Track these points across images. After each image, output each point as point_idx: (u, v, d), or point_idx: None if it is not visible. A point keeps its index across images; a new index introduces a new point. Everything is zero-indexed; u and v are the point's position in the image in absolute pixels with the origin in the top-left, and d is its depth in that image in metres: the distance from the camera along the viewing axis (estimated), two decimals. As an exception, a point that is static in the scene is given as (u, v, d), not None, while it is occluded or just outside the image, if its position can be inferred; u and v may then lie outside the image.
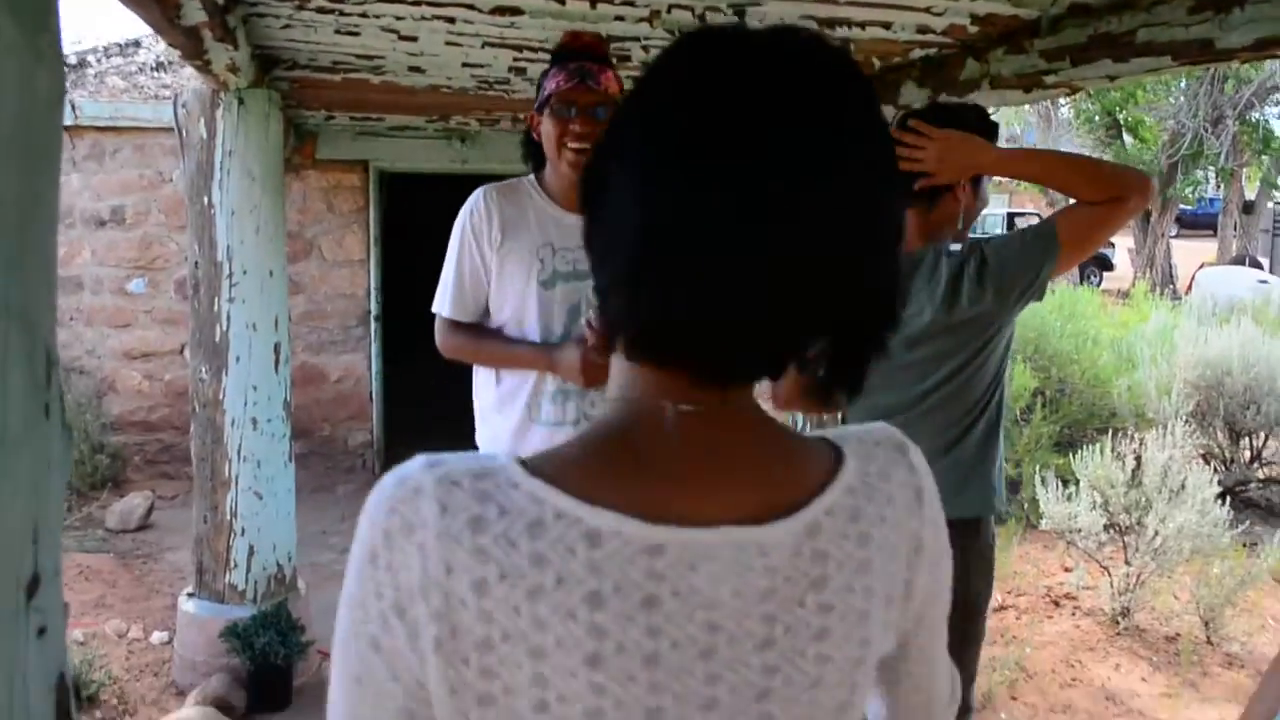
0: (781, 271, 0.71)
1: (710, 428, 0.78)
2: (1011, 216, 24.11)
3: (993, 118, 2.82)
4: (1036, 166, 2.55)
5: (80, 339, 6.60)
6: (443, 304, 2.54)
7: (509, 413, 2.53)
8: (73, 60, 6.92)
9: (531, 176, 2.58)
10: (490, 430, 2.59)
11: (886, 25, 3.07)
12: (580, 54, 2.42)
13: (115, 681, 3.80)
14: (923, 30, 3.11)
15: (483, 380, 2.62)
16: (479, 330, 2.55)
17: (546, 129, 2.41)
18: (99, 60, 7.18)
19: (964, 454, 2.36)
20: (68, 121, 6.38)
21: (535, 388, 2.48)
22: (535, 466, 0.76)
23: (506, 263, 2.45)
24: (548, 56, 3.55)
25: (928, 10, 2.89)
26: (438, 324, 2.57)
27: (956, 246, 2.38)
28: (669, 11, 3.01)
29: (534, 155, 2.56)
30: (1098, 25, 2.73)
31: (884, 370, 0.96)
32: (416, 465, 0.76)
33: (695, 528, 0.75)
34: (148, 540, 5.57)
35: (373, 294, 6.92)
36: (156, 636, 4.23)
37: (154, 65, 7.08)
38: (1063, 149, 2.85)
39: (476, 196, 2.51)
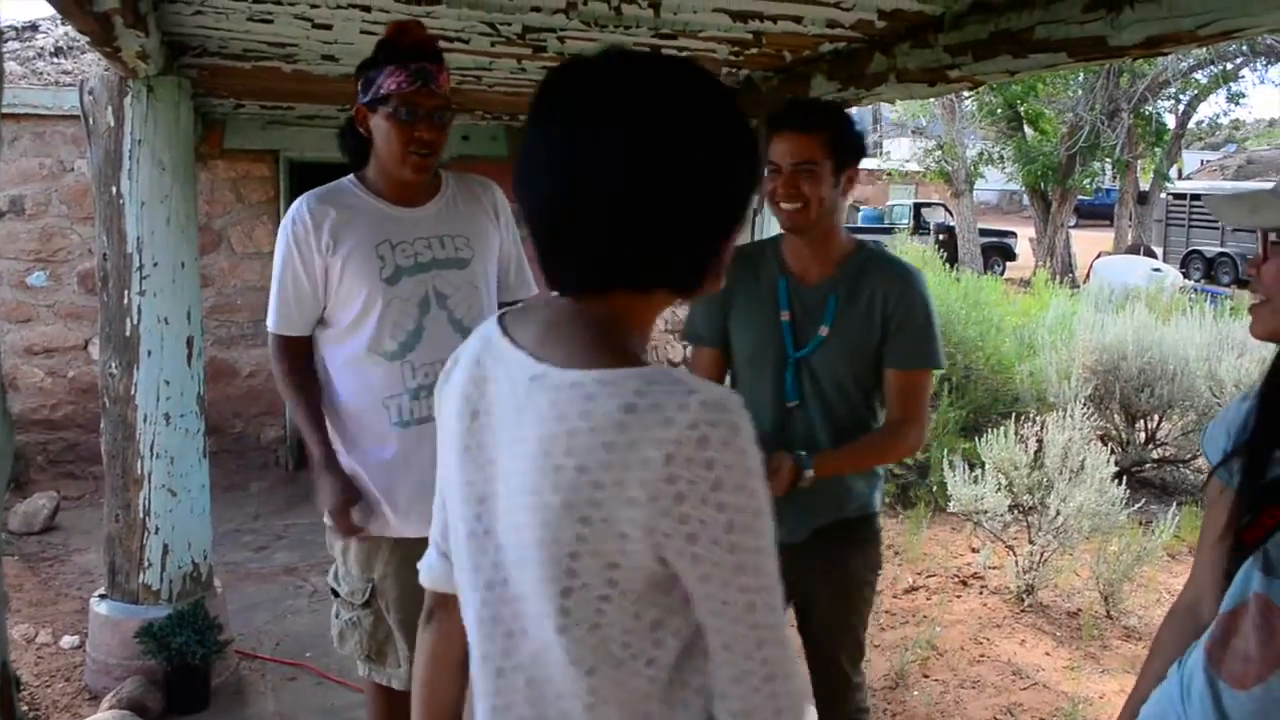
0: None
1: None
2: (918, 207, 24.60)
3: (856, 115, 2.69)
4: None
5: (-23, 335, 6.38)
6: (270, 319, 2.50)
7: (364, 416, 2.47)
8: (-36, 46, 6.66)
9: (352, 176, 2.51)
10: (348, 438, 2.51)
11: (797, 19, 3.14)
12: (418, 53, 2.35)
13: (25, 688, 3.70)
14: (832, 25, 3.18)
15: (332, 385, 2.52)
16: (302, 378, 2.50)
17: (384, 129, 2.35)
18: (-7, 46, 6.92)
19: None
20: (-40, 110, 6.17)
21: (390, 386, 2.43)
22: None
23: (346, 267, 2.40)
24: (463, 45, 3.61)
25: (836, 5, 2.96)
26: (271, 342, 2.52)
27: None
28: (585, 3, 3.03)
29: (355, 149, 2.47)
30: (998, 21, 2.81)
31: None
32: None
33: None
34: (54, 542, 5.41)
35: (284, 287, 6.81)
36: (66, 640, 4.13)
37: (53, 50, 6.86)
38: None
39: (298, 206, 2.45)
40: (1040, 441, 4.87)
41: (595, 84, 1.08)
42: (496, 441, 1.11)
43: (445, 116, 2.40)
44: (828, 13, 3.05)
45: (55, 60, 6.77)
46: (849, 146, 2.39)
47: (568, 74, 1.10)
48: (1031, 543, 4.79)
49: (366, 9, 3.14)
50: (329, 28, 3.43)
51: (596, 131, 1.05)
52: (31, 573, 4.93)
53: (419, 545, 2.43)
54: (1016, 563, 4.79)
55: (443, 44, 3.61)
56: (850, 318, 2.42)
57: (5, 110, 6.27)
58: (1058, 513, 4.61)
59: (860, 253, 2.48)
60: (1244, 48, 18.77)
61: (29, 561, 5.08)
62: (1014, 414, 5.70)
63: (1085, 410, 5.13)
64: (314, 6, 3.14)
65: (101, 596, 3.79)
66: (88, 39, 2.88)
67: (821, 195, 2.34)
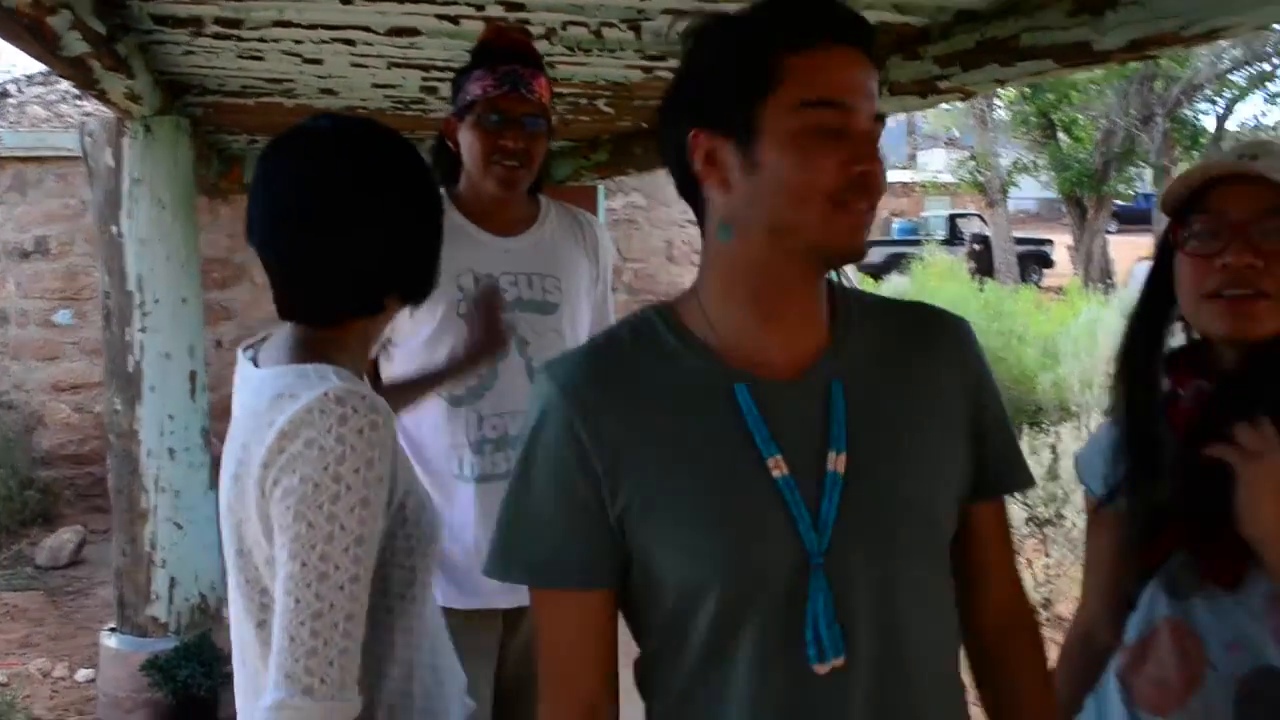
0: None
1: None
2: (953, 218, 24.42)
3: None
4: None
5: (7, 373, 6.52)
6: None
7: (430, 465, 2.16)
8: (-6, 92, 6.86)
9: (441, 191, 2.25)
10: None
11: (781, 36, 3.12)
12: (509, 55, 2.10)
13: (39, 721, 3.76)
14: (817, 40, 3.16)
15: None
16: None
17: (469, 139, 2.10)
18: (20, 90, 7.12)
19: None
20: (-11, 154, 6.34)
21: (453, 435, 2.14)
22: None
23: None
24: (453, 74, 3.64)
25: (819, 21, 2.95)
26: None
27: None
28: (565, 29, 3.04)
29: (446, 166, 2.20)
30: (984, 30, 2.79)
31: None
32: None
33: None
34: (79, 576, 5.49)
35: (306, 318, 6.90)
36: (82, 674, 4.18)
37: (76, 94, 7.02)
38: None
39: None
40: (1055, 451, 4.79)
41: (289, 149, 1.31)
42: (229, 436, 1.31)
43: (539, 125, 2.11)
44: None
45: (78, 103, 6.93)
46: None
47: (277, 139, 1.32)
48: (1048, 555, 4.71)
49: (350, 42, 3.18)
50: (319, 62, 3.48)
51: (283, 186, 1.29)
52: (54, 606, 5.00)
53: (472, 620, 2.05)
54: (1034, 576, 4.71)
55: (434, 73, 3.67)
56: (893, 421, 1.10)
57: (29, 154, 6.42)
58: (1074, 525, 4.53)
59: (844, 295, 1.18)
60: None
61: (53, 595, 5.16)
62: (1035, 424, 5.62)
63: (1104, 419, 5.04)
64: (298, 43, 3.18)
65: (111, 630, 3.84)
66: (72, 83, 2.94)
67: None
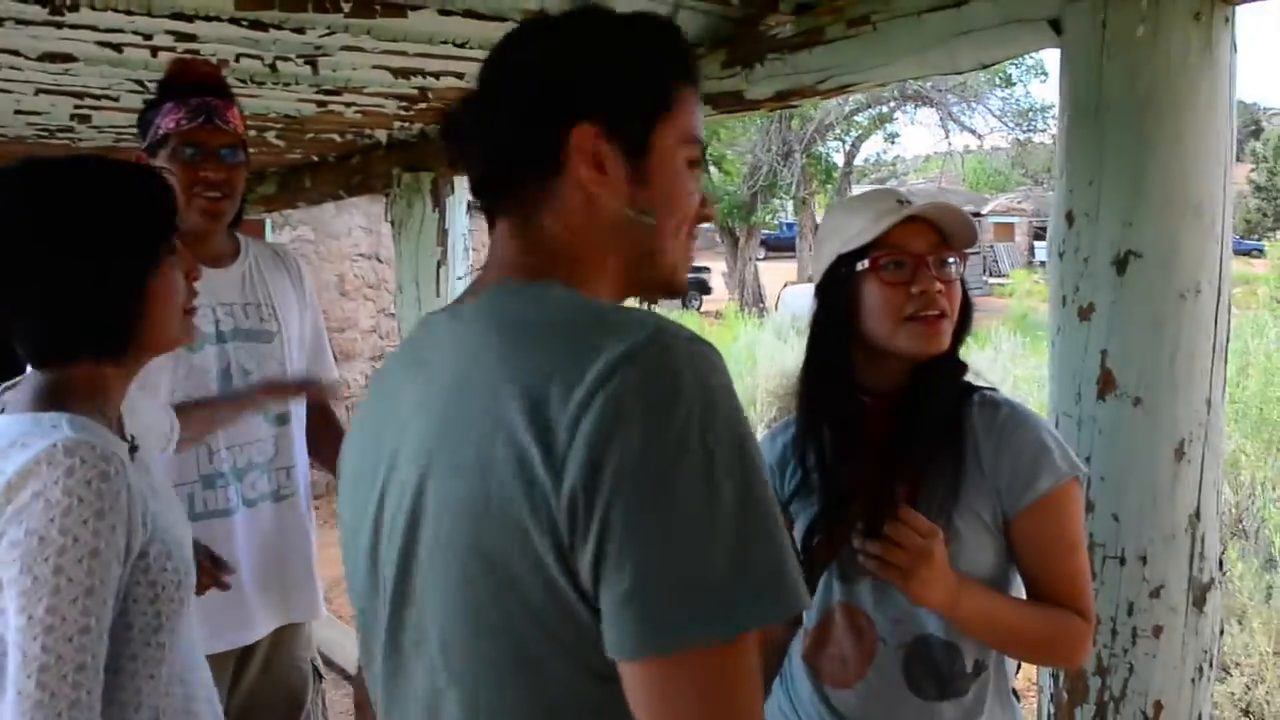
0: None
1: None
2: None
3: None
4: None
5: None
6: None
7: None
8: None
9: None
10: None
11: (459, 75, 3.19)
12: (200, 87, 2.12)
13: None
14: (496, 81, 3.26)
15: None
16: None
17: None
18: None
19: None
20: None
21: (182, 471, 2.07)
22: None
23: None
24: (113, 102, 3.43)
25: (495, 63, 3.04)
26: None
27: None
28: (238, 60, 2.96)
29: None
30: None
31: None
32: None
33: None
34: None
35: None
36: None
37: None
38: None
39: None
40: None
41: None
42: None
43: (237, 155, 2.13)
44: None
45: None
46: None
47: None
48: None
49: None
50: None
51: None
52: None
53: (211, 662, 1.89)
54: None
55: (88, 100, 3.45)
56: None
57: None
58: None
59: None
60: (895, 93, 20.72)
61: None
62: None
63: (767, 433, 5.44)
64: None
65: None
66: None
67: None
